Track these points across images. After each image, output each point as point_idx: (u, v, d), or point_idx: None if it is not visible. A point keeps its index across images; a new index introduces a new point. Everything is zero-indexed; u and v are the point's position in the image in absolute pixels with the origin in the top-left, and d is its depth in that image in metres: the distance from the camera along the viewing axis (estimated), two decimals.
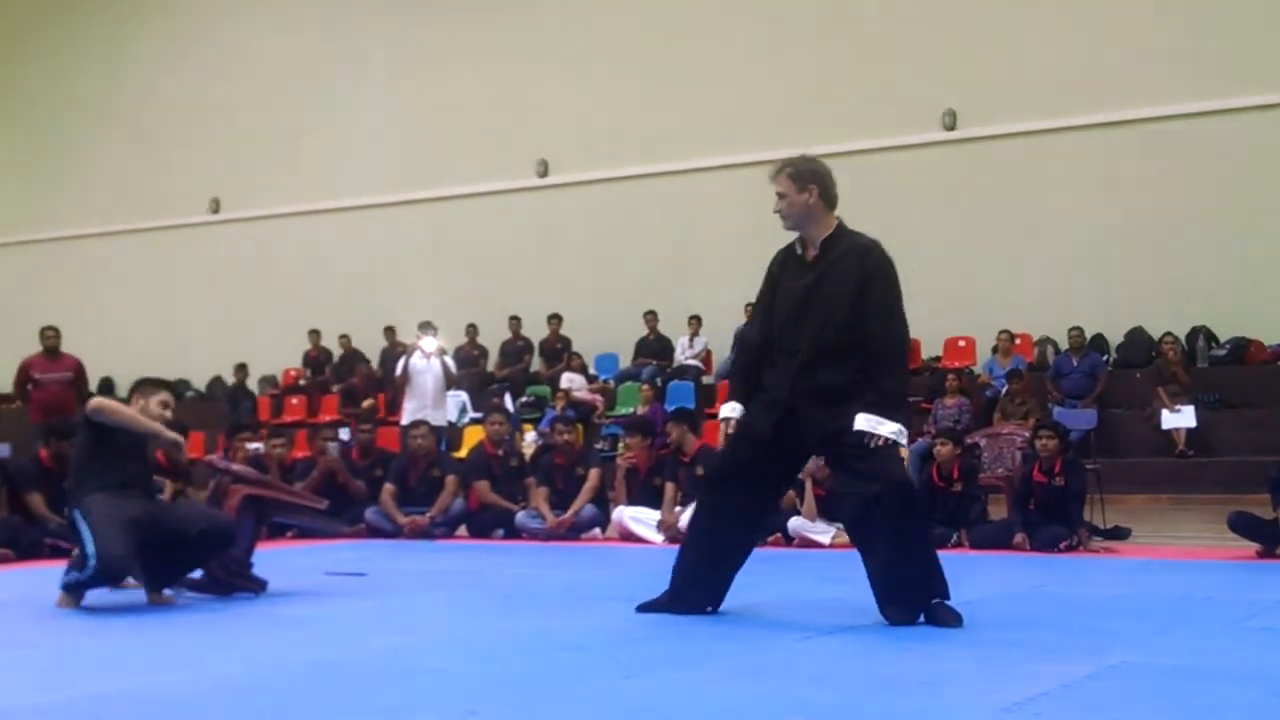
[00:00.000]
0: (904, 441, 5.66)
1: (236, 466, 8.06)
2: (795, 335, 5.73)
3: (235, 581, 6.95)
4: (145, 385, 7.18)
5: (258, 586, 7.02)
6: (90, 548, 6.22)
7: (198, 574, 6.92)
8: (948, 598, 5.50)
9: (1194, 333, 16.15)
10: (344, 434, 13.14)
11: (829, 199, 5.89)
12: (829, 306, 5.68)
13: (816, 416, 5.62)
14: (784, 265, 5.98)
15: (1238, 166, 16.26)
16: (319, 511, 8.35)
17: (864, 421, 5.47)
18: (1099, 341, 16.60)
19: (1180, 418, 14.22)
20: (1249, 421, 14.55)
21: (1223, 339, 16.08)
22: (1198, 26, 16.59)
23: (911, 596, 5.52)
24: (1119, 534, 9.88)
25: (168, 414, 6.95)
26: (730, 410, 5.89)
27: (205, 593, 6.90)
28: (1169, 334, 15.73)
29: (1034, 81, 17.15)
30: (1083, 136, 17.04)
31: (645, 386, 17.30)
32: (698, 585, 5.81)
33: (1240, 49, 16.28)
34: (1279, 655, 4.84)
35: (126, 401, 7.22)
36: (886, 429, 5.49)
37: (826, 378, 5.63)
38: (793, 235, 5.91)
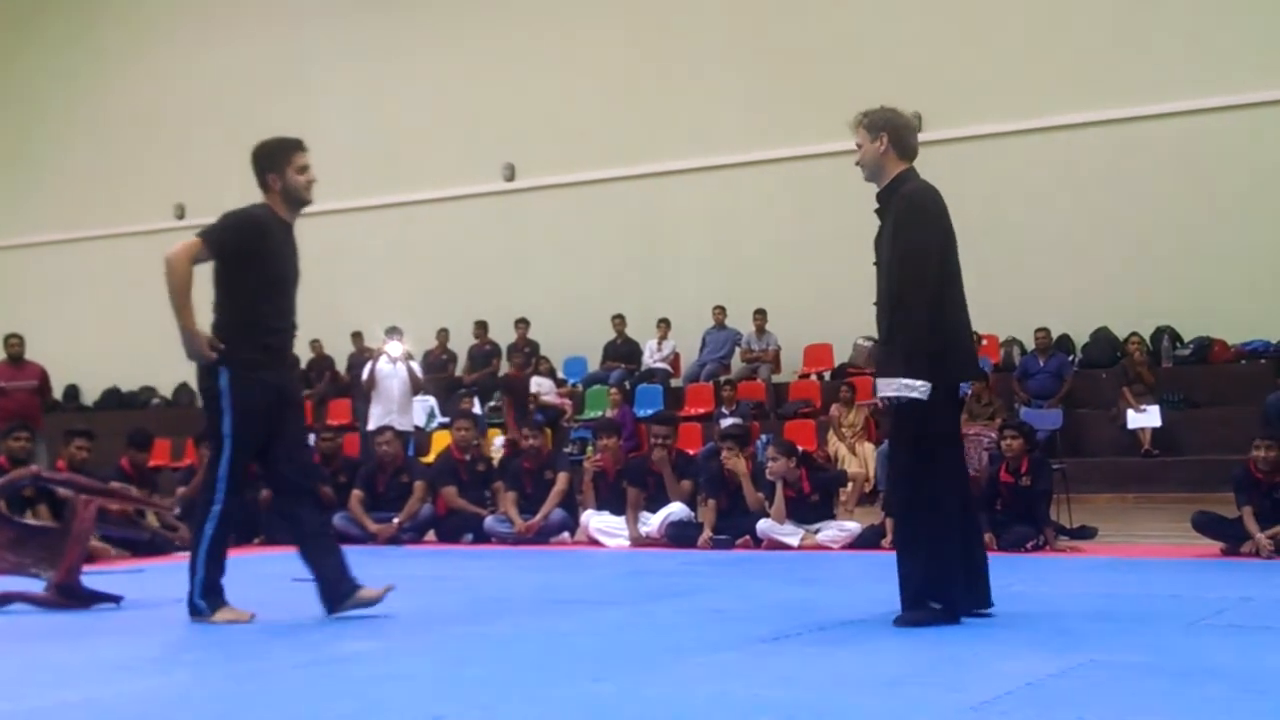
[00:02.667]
0: (916, 395, 5.37)
1: (69, 477, 7.87)
2: (877, 288, 5.72)
3: (94, 593, 6.84)
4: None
5: (115, 599, 6.91)
6: None
7: (40, 587, 6.79)
8: (938, 602, 5.44)
9: (1159, 333, 16.25)
10: (311, 438, 13.04)
11: (901, 148, 5.81)
12: (880, 256, 5.69)
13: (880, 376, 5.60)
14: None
15: (1202, 167, 16.38)
16: (157, 525, 8.34)
17: (880, 384, 5.47)
18: (1065, 342, 16.69)
19: (1145, 417, 14.31)
20: (1213, 421, 14.65)
21: (1187, 339, 16.18)
22: (1162, 29, 16.71)
23: (904, 595, 5.52)
24: (1085, 533, 9.93)
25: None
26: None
27: (52, 607, 6.71)
28: (1134, 334, 15.83)
29: (1001, 84, 17.24)
30: (1049, 138, 17.14)
31: (614, 390, 17.32)
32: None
33: (1204, 51, 16.40)
34: (1243, 653, 4.86)
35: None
36: (889, 388, 5.40)
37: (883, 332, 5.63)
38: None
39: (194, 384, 18.79)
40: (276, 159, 6.27)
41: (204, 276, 6.09)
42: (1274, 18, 16.11)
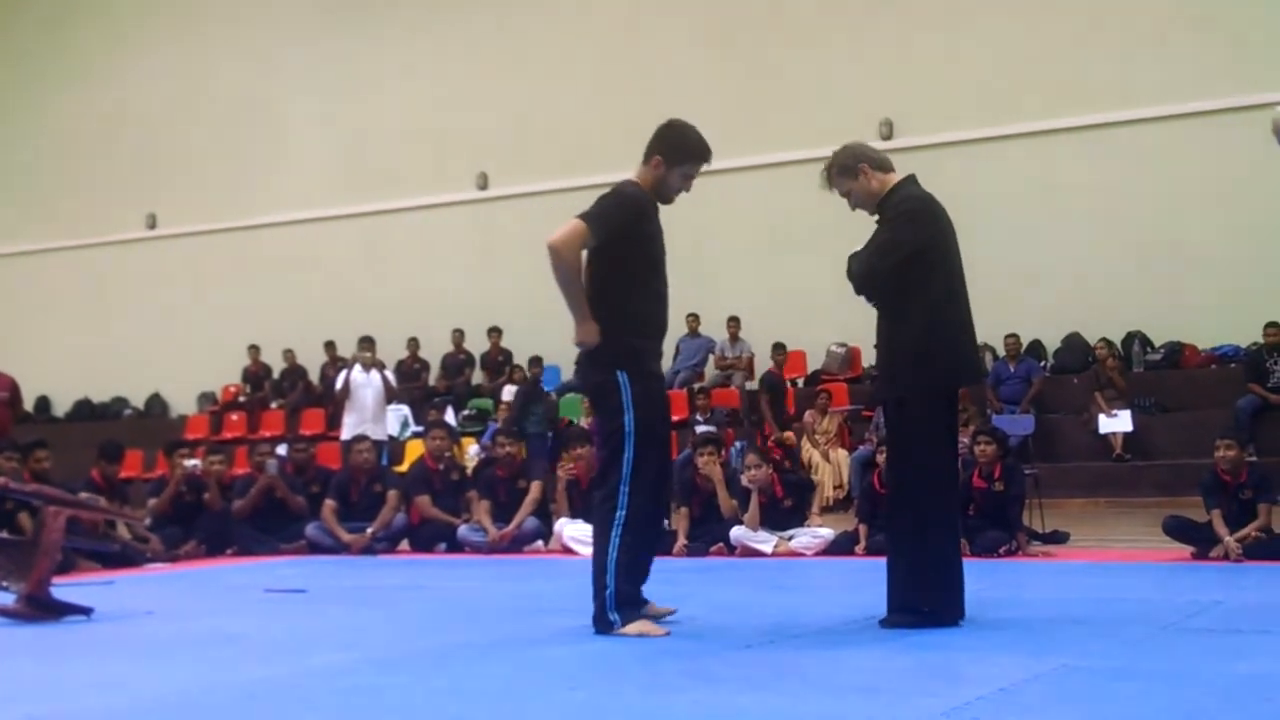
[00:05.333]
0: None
1: (37, 488, 7.81)
2: None
3: (65, 605, 6.80)
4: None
5: (85, 611, 6.82)
6: None
7: (10, 600, 6.73)
8: (925, 605, 5.55)
9: (1130, 338, 16.33)
10: (282, 450, 13.05)
11: (878, 163, 5.92)
12: None
13: None
14: None
15: (1172, 173, 16.46)
16: (128, 536, 8.24)
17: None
18: (1037, 348, 16.75)
19: (1117, 422, 14.38)
20: (1184, 425, 14.72)
21: (1158, 344, 16.26)
22: (1133, 36, 16.79)
23: (891, 597, 5.62)
24: (1057, 538, 9.98)
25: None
26: None
27: (22, 619, 6.65)
28: (1103, 339, 15.90)
29: (970, 90, 17.31)
30: (1019, 145, 17.22)
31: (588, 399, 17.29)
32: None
33: (1175, 58, 16.49)
34: (1214, 656, 4.88)
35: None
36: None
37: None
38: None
39: (165, 395, 18.33)
40: (676, 151, 5.76)
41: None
42: (1242, 26, 16.21)
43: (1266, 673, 4.44)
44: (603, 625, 5.49)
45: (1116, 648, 5.08)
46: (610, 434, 5.57)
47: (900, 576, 5.61)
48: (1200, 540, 8.76)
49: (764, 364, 18.21)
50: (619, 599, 5.49)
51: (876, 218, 5.88)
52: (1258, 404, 14.44)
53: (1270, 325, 14.77)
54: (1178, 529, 9.01)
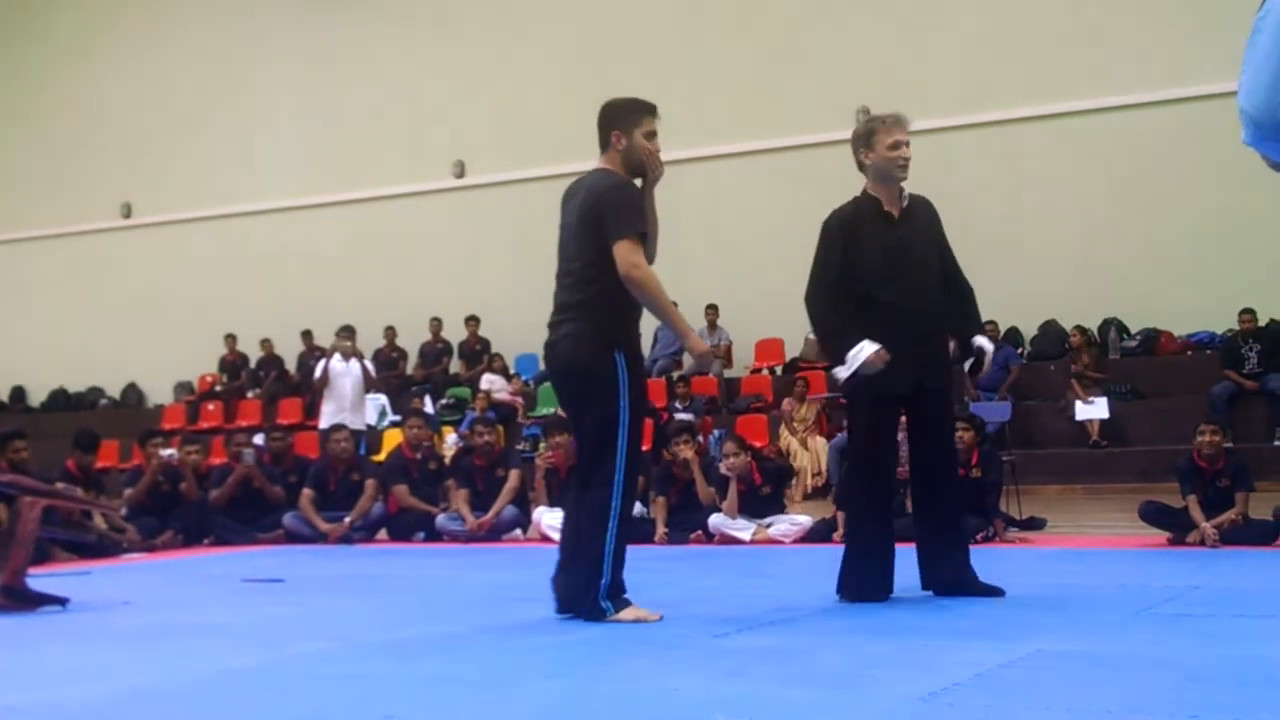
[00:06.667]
0: (846, 373, 5.86)
1: (12, 478, 7.76)
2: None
3: (41, 595, 6.77)
4: None
5: (61, 601, 6.78)
6: None
7: None
8: (853, 596, 5.94)
9: (1106, 325, 16.39)
10: (259, 439, 13.01)
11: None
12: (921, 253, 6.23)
13: None
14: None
15: (1148, 160, 16.53)
16: (104, 527, 8.17)
17: None
18: (1013, 335, 16.81)
19: (1093, 409, 14.44)
20: (1160, 411, 14.79)
21: (1134, 331, 16.33)
22: (1106, 24, 16.85)
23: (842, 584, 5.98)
24: (1034, 524, 10.02)
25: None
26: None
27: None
28: (1079, 326, 15.96)
29: (947, 78, 17.34)
30: (995, 133, 17.26)
31: None
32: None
33: (1147, 46, 16.56)
34: (1189, 641, 4.91)
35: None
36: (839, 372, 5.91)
37: None
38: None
39: (140, 384, 18.18)
40: (625, 118, 5.75)
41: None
42: (1213, 14, 16.25)
43: (1241, 657, 4.47)
44: (595, 614, 5.46)
45: (1092, 633, 5.09)
46: (602, 420, 5.48)
47: (845, 560, 6.11)
48: (1176, 526, 8.81)
49: (742, 352, 18.25)
50: (611, 589, 5.50)
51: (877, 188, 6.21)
52: (1233, 390, 14.52)
53: (1245, 312, 14.85)
54: (1154, 515, 9.04)
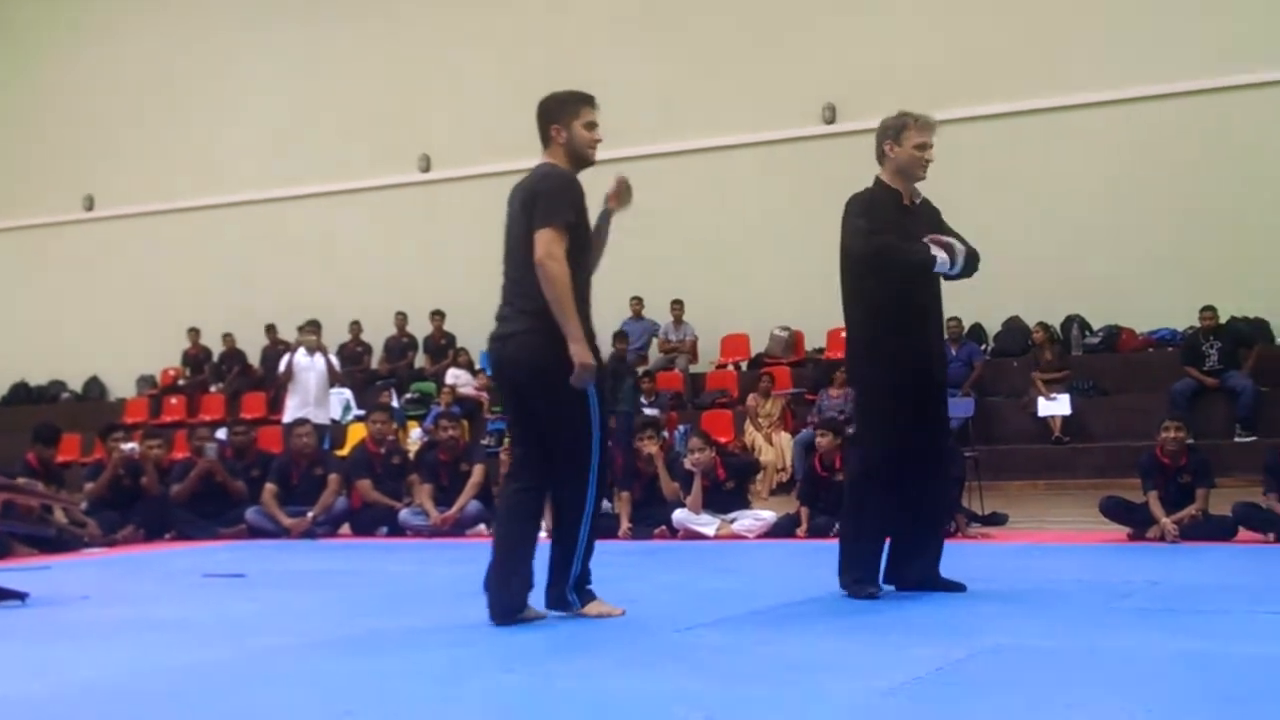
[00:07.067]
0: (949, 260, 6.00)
1: None
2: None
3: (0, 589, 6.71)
4: None
5: (20, 596, 6.71)
6: None
7: None
8: (847, 588, 5.94)
9: (1068, 321, 16.47)
10: (221, 434, 12.94)
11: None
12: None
13: None
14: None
15: (1110, 159, 16.61)
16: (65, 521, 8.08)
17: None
18: (977, 332, 16.87)
19: (1056, 405, 14.50)
20: (1121, 408, 14.88)
21: (1096, 327, 16.42)
22: (1070, 23, 16.92)
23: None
24: (996, 520, 10.07)
25: None
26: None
27: None
28: (1041, 323, 16.04)
29: (911, 76, 17.34)
30: (959, 130, 17.24)
31: None
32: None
33: (1112, 42, 16.63)
34: (1148, 635, 4.94)
35: None
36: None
37: None
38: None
39: (103, 377, 18.03)
40: (563, 110, 5.67)
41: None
42: (1178, 14, 16.37)
43: (1199, 651, 4.50)
44: (562, 605, 5.49)
45: (1052, 627, 5.12)
46: (569, 415, 5.36)
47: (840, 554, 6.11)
48: (1137, 522, 8.86)
49: (708, 348, 18.25)
50: (578, 581, 5.51)
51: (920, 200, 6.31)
52: (1193, 387, 14.62)
53: (1206, 309, 14.95)
54: (1114, 510, 9.10)
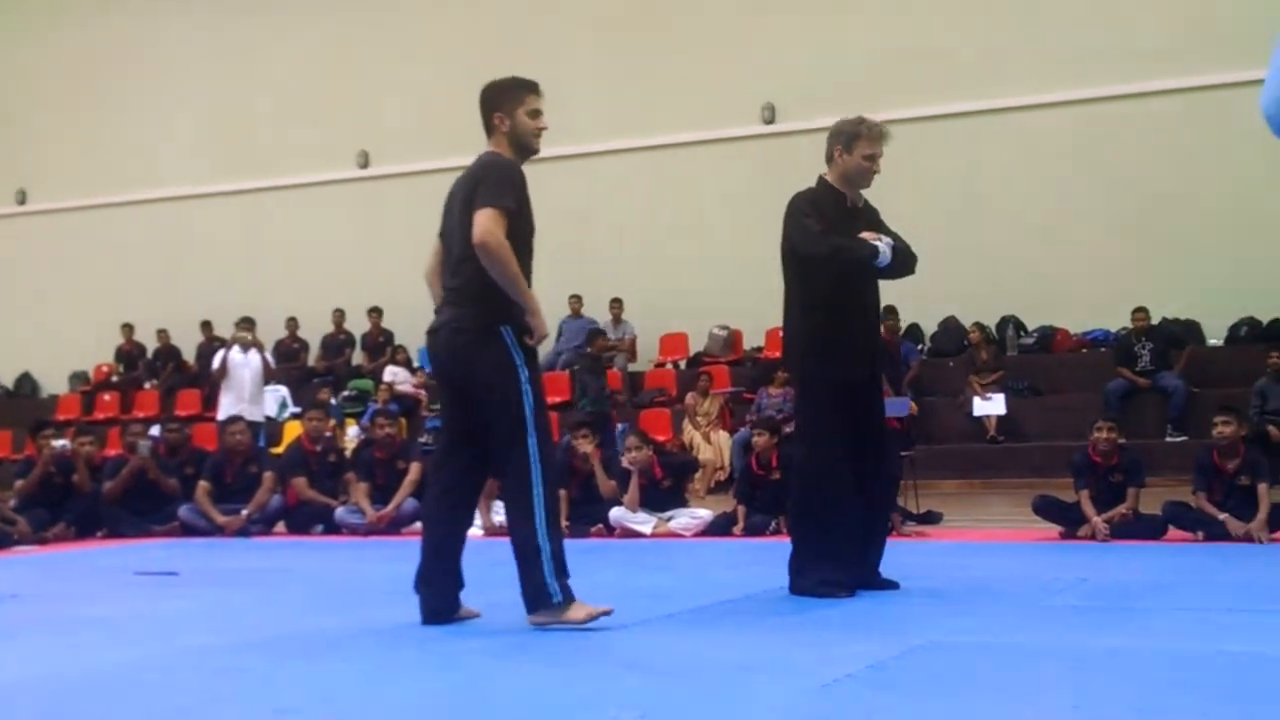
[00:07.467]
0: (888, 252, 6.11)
1: None
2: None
3: None
4: None
5: None
6: None
7: None
8: (812, 591, 5.92)
9: (1004, 322, 16.61)
10: (155, 431, 12.81)
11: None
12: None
13: None
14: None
15: (1046, 160, 16.76)
16: None
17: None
18: (914, 331, 16.98)
19: (991, 405, 14.61)
20: (1055, 408, 15.01)
21: (1031, 328, 16.57)
22: (1004, 24, 17.06)
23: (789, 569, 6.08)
24: (931, 518, 10.14)
25: None
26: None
27: None
28: (978, 323, 16.17)
29: (850, 76, 17.44)
30: (897, 131, 17.32)
31: None
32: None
33: (1046, 45, 16.78)
34: (1077, 631, 5.00)
35: None
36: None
37: None
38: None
39: (35, 374, 17.81)
40: (506, 98, 5.51)
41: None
42: (1112, 18, 16.55)
43: (1125, 648, 4.56)
44: (542, 599, 5.13)
45: (983, 624, 5.17)
46: (503, 403, 5.20)
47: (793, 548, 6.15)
48: (1068, 520, 8.97)
49: (646, 346, 18.26)
50: (556, 565, 5.14)
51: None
52: (1126, 387, 14.78)
53: (1138, 310, 15.11)
54: (1047, 509, 9.20)
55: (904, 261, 6.15)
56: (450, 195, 5.53)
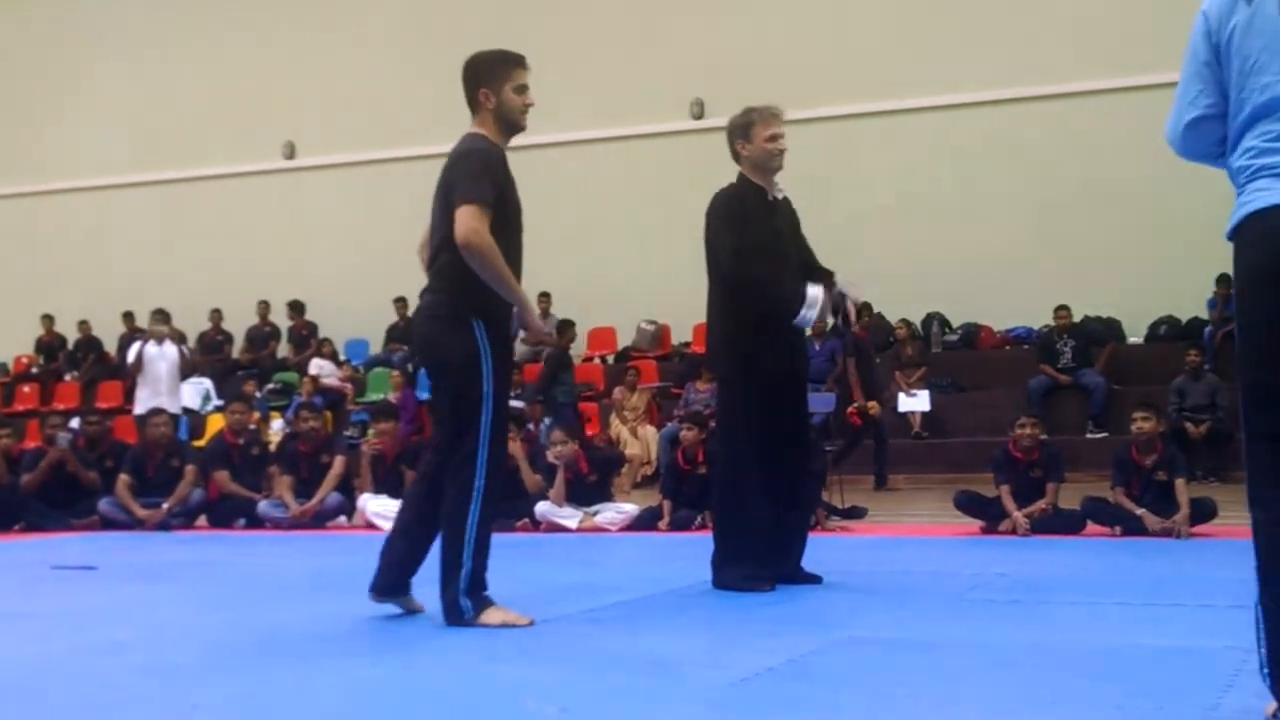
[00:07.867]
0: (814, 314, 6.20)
1: None
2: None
3: None
4: None
5: None
6: None
7: None
8: (735, 585, 5.92)
9: (929, 319, 16.76)
10: (75, 423, 12.63)
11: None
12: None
13: None
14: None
15: (971, 159, 16.93)
16: None
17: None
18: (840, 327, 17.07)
19: (916, 401, 14.73)
20: (978, 404, 15.17)
21: (955, 325, 16.73)
22: (932, 20, 17.20)
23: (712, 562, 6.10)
24: (855, 513, 10.20)
25: None
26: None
27: None
28: (903, 320, 16.30)
29: (778, 73, 17.50)
30: (824, 128, 17.48)
31: (396, 373, 17.14)
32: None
33: (971, 48, 16.94)
34: (997, 625, 5.06)
35: None
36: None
37: None
38: None
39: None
40: (492, 73, 5.32)
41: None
42: (1030, 18, 16.73)
43: (1042, 641, 4.62)
44: (454, 615, 5.03)
45: (904, 619, 5.22)
46: (464, 395, 5.11)
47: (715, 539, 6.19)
48: (989, 515, 9.05)
49: (575, 341, 18.23)
50: (471, 583, 5.05)
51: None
52: (1048, 384, 14.96)
53: (1060, 308, 15.30)
54: (968, 504, 9.28)
55: (822, 315, 6.27)
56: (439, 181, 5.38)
